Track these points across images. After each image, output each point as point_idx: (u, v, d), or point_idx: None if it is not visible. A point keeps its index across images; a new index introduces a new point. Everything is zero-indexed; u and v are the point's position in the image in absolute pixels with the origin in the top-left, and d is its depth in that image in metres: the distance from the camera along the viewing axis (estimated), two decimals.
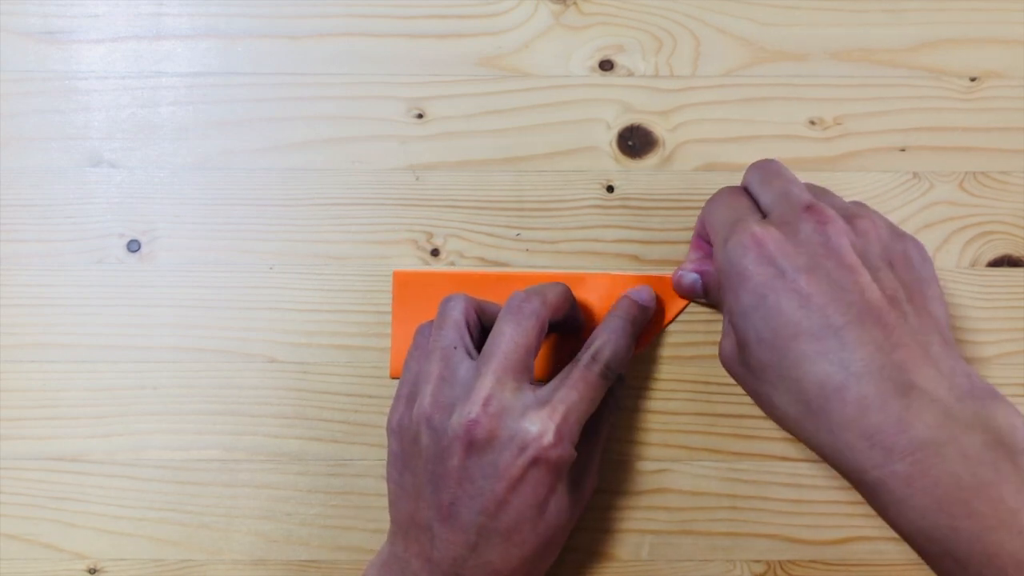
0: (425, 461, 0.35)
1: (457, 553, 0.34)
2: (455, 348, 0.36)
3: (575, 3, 0.43)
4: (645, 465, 0.41)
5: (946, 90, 0.42)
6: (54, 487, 0.41)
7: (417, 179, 0.42)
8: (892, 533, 0.41)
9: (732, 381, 0.41)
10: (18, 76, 0.42)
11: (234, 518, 0.41)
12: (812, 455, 0.41)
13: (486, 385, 0.34)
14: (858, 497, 0.41)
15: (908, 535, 0.31)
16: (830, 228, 0.33)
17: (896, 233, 0.35)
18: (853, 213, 0.34)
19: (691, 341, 0.41)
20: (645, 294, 0.40)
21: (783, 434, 0.41)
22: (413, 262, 0.42)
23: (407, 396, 0.37)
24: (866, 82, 0.42)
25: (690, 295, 0.41)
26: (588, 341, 0.37)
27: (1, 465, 0.41)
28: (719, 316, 0.41)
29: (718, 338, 0.41)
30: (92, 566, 0.41)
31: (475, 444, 0.34)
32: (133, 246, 0.42)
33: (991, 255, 0.42)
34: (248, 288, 0.41)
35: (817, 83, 0.42)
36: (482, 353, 0.35)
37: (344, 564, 0.41)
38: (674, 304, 0.41)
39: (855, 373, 0.31)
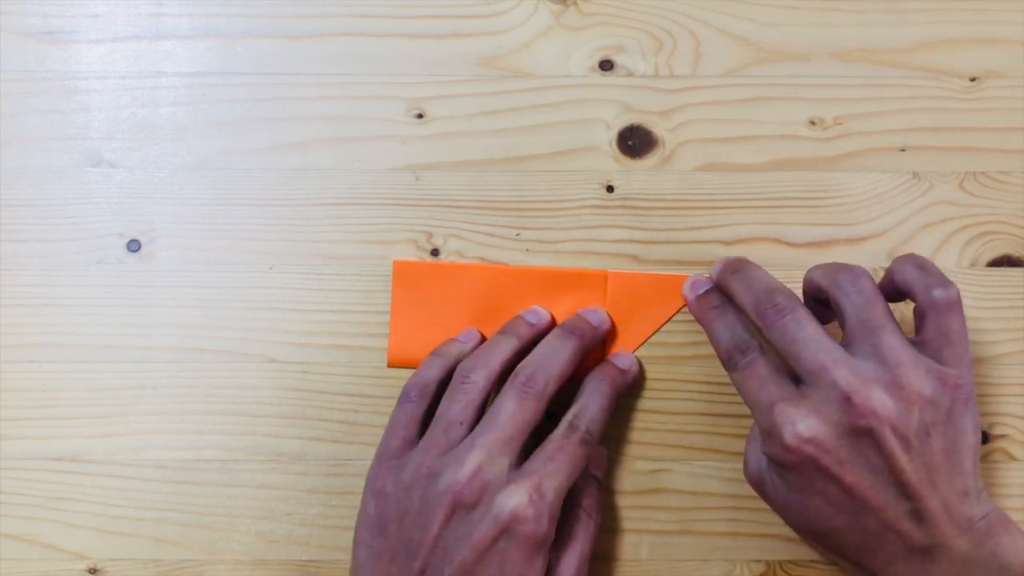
0: (407, 526, 0.36)
1: None
2: (460, 424, 0.37)
3: (575, 3, 0.43)
4: (645, 465, 0.41)
5: (946, 90, 0.42)
6: (54, 487, 0.41)
7: (417, 179, 0.42)
8: None
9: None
10: (18, 76, 0.42)
11: (234, 518, 0.41)
12: None
13: (478, 457, 0.35)
14: None
15: None
16: (872, 421, 0.33)
17: (944, 384, 0.34)
18: (896, 378, 0.34)
19: (691, 341, 0.41)
20: (626, 360, 0.40)
21: None
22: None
23: (393, 457, 0.37)
24: (866, 82, 0.42)
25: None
26: (570, 408, 0.38)
27: (1, 465, 0.41)
28: None
29: None
30: (92, 566, 0.41)
31: (456, 512, 0.35)
32: (133, 246, 0.42)
33: (991, 255, 0.42)
34: (248, 288, 0.41)
35: (817, 83, 0.42)
36: (481, 423, 0.37)
37: (344, 564, 0.41)
38: (671, 304, 0.41)
39: (889, 541, 0.34)
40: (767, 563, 0.41)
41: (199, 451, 0.41)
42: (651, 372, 0.41)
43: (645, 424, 0.41)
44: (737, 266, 0.38)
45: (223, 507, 0.41)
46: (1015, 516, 0.40)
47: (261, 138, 0.42)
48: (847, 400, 0.33)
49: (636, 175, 0.42)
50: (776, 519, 0.41)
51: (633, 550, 0.41)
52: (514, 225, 0.42)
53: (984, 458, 0.41)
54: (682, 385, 0.41)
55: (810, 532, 0.36)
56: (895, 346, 0.34)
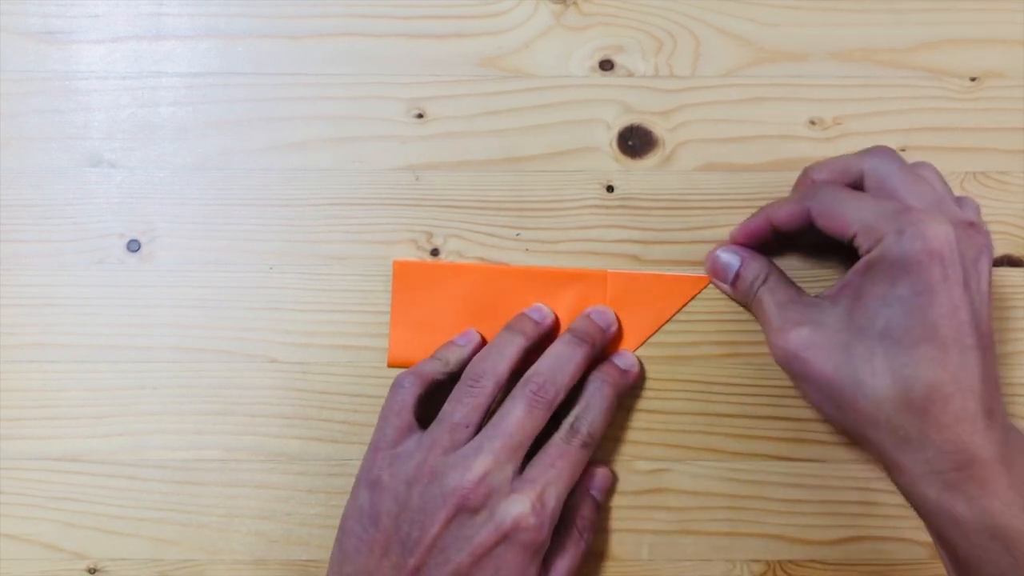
0: (404, 521, 0.36)
1: None
2: (466, 427, 0.37)
3: (575, 3, 0.43)
4: (645, 465, 0.41)
5: (946, 90, 0.42)
6: (54, 487, 0.41)
7: (417, 179, 0.42)
8: (892, 533, 0.41)
9: (732, 381, 0.41)
10: (18, 76, 0.42)
11: (234, 518, 0.41)
12: (812, 455, 0.41)
13: (486, 462, 0.36)
14: (858, 497, 0.41)
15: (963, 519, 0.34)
16: (983, 258, 0.34)
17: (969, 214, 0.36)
18: (978, 229, 0.35)
19: (691, 341, 0.41)
20: (628, 359, 0.40)
21: (783, 434, 0.41)
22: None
23: (389, 449, 0.37)
24: (866, 82, 0.42)
25: (719, 276, 0.40)
26: (570, 411, 0.38)
27: (1, 465, 0.41)
28: (719, 316, 0.41)
29: (718, 338, 0.41)
30: (92, 566, 0.41)
31: (459, 513, 0.35)
32: (133, 246, 0.42)
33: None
34: (248, 288, 0.41)
35: (817, 83, 0.42)
36: (488, 427, 0.37)
37: None
38: (671, 304, 0.41)
39: (964, 389, 0.33)
40: (767, 563, 0.41)
41: (199, 451, 0.41)
42: (651, 372, 0.41)
43: (645, 424, 0.41)
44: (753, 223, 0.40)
45: (223, 507, 0.41)
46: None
47: (261, 138, 0.42)
48: (969, 225, 0.35)
49: (636, 175, 0.42)
50: (776, 519, 0.41)
51: (633, 550, 0.41)
52: (514, 225, 0.42)
53: None
54: (682, 385, 0.41)
55: (879, 377, 0.34)
56: (931, 191, 0.36)
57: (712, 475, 0.41)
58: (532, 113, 0.42)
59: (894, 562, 0.41)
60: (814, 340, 0.36)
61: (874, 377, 0.34)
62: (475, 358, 0.39)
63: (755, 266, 0.39)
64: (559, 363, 0.38)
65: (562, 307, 0.41)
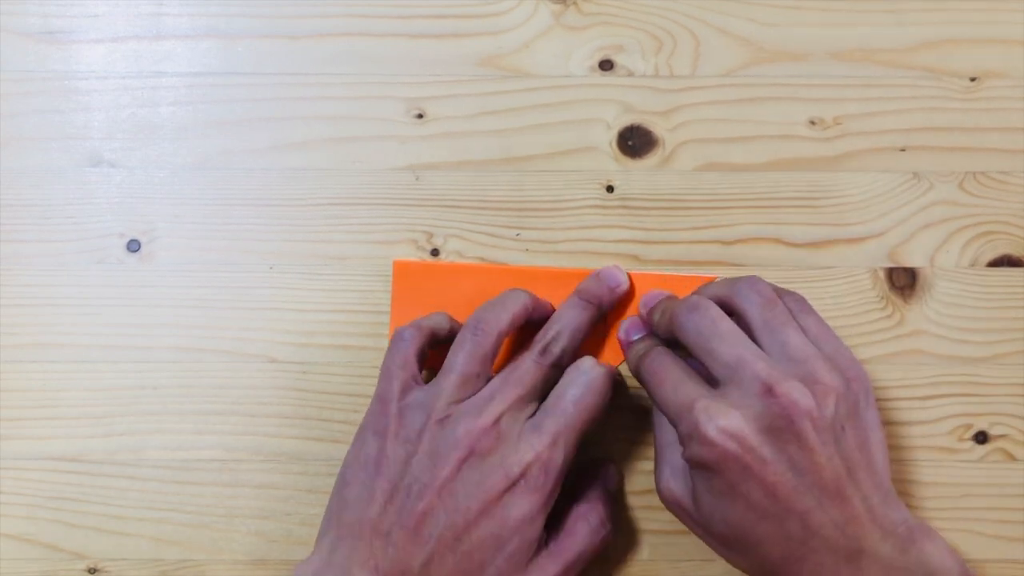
0: (414, 466, 0.35)
1: (408, 565, 0.34)
2: (477, 376, 0.37)
3: (575, 3, 0.43)
4: (645, 465, 0.41)
5: (946, 90, 0.42)
6: (54, 487, 0.41)
7: (417, 179, 0.42)
8: None
9: None
10: (18, 76, 0.42)
11: (234, 518, 0.41)
12: None
13: (498, 407, 0.36)
14: None
15: None
16: (793, 413, 0.33)
17: (847, 379, 0.35)
18: (810, 373, 0.34)
19: None
20: (616, 276, 0.40)
21: None
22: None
23: (399, 401, 0.37)
24: (866, 82, 0.42)
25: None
26: (544, 329, 0.38)
27: (1, 465, 0.41)
28: None
29: None
30: (92, 566, 0.41)
31: (470, 457, 0.35)
32: (133, 246, 0.42)
33: (991, 255, 0.42)
34: (248, 288, 0.41)
35: (817, 83, 0.42)
36: (498, 378, 0.37)
37: None
38: None
39: (814, 548, 0.33)
40: None
41: (199, 451, 0.41)
42: None
43: (645, 424, 0.41)
44: (650, 313, 0.39)
45: (223, 507, 0.41)
46: (1015, 516, 0.41)
47: (261, 138, 0.42)
48: (769, 392, 0.33)
49: (636, 175, 0.42)
50: None
51: (633, 550, 0.41)
52: (514, 225, 0.42)
53: (984, 458, 0.41)
54: None
55: (735, 544, 0.35)
56: (800, 343, 0.35)
57: None
58: (532, 113, 0.42)
59: None
60: (682, 501, 0.36)
61: (731, 552, 0.35)
62: (478, 308, 0.38)
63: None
64: (568, 324, 0.38)
65: None
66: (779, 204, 0.42)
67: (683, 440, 0.34)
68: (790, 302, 0.37)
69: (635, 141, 0.42)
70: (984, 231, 0.42)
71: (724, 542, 0.35)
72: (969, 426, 0.41)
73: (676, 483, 0.36)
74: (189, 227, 0.42)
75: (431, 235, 0.42)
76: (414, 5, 0.42)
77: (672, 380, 0.36)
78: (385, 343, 0.41)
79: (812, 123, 0.42)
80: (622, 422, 0.41)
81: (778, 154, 0.42)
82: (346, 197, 0.42)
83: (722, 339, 0.35)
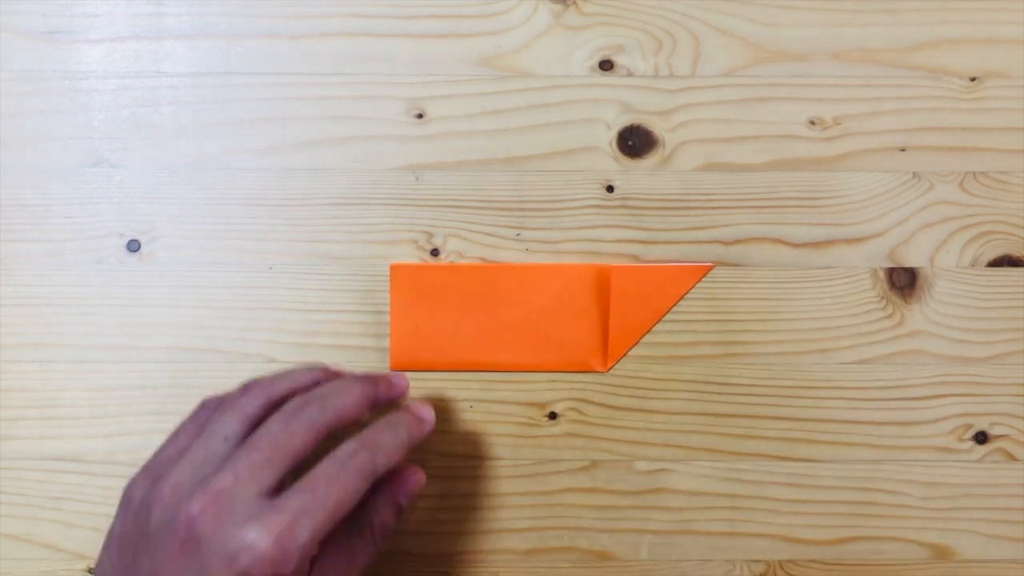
0: (141, 551, 0.31)
1: None
2: (225, 439, 0.33)
3: (575, 3, 0.43)
4: (645, 465, 0.41)
5: (946, 90, 0.42)
6: (54, 487, 0.41)
7: (417, 179, 0.42)
8: (892, 533, 0.41)
9: (732, 381, 0.41)
10: (18, 76, 0.42)
11: None
12: (812, 455, 0.41)
13: (223, 481, 0.31)
14: (858, 497, 0.41)
15: None
16: None
17: None
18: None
19: (691, 341, 0.41)
20: (426, 411, 0.37)
21: (783, 434, 0.41)
22: (413, 262, 0.42)
23: (158, 466, 0.34)
24: (866, 82, 0.42)
25: None
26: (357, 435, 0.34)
27: (1, 465, 0.41)
28: (719, 316, 0.41)
29: (718, 338, 0.41)
30: (92, 566, 0.41)
31: (188, 544, 0.31)
32: (133, 246, 0.42)
33: (991, 255, 0.42)
34: (248, 288, 0.41)
35: (817, 83, 0.42)
36: (240, 446, 0.33)
37: None
38: (673, 295, 0.41)
39: None
40: (767, 563, 0.41)
41: None
42: (651, 372, 0.41)
43: (645, 424, 0.41)
44: None
45: None
46: (1015, 516, 0.41)
47: (261, 138, 0.42)
48: None
49: (636, 175, 0.42)
50: (776, 519, 0.41)
51: (633, 550, 0.41)
52: (514, 225, 0.42)
53: (984, 458, 0.41)
54: (682, 385, 0.41)
55: None
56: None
57: (712, 475, 0.41)
58: (532, 113, 0.42)
59: (894, 562, 0.41)
60: None
61: None
62: (267, 375, 0.36)
63: None
64: (336, 386, 0.35)
65: (563, 303, 0.41)
66: (779, 204, 0.42)
67: None
68: None
69: (635, 141, 0.42)
70: (984, 231, 0.42)
71: None
72: (969, 426, 0.41)
73: None
74: (189, 227, 0.42)
75: (431, 235, 0.42)
76: (414, 5, 0.42)
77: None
78: (385, 343, 0.41)
79: (812, 123, 0.42)
80: (621, 422, 0.41)
81: (778, 154, 0.42)
82: (346, 197, 0.42)
83: None
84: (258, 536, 0.30)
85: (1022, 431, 0.41)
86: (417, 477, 0.38)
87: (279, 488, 0.32)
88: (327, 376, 0.36)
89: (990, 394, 0.41)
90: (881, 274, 0.42)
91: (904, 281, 0.42)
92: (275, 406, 0.34)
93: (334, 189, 0.42)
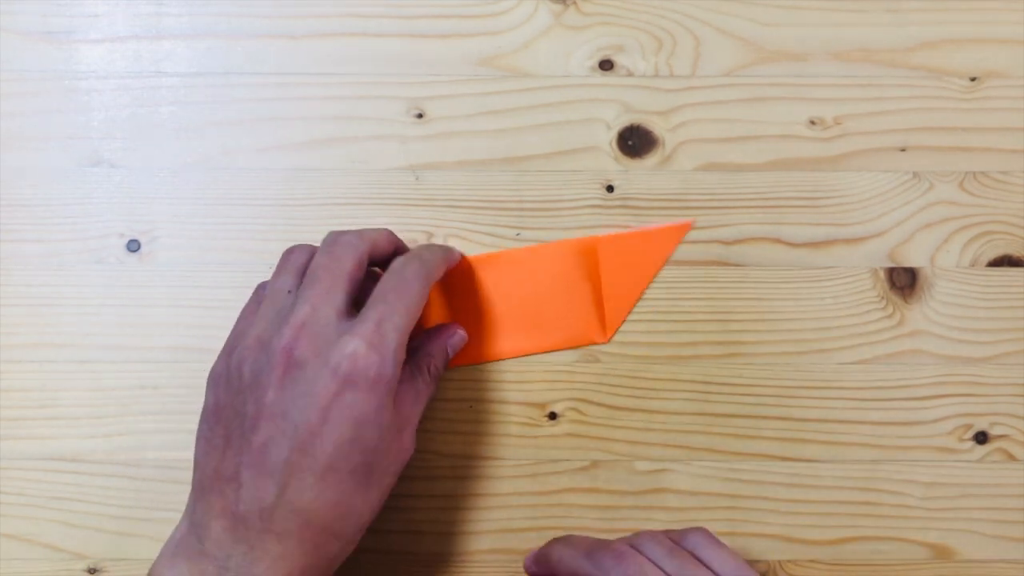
0: (240, 403, 0.33)
1: (265, 501, 0.32)
2: (288, 292, 0.35)
3: (575, 3, 0.43)
4: (645, 465, 0.41)
5: (946, 90, 0.42)
6: (54, 487, 0.41)
7: (417, 179, 0.42)
8: (892, 533, 0.41)
9: (732, 381, 0.41)
10: (18, 76, 0.42)
11: None
12: (812, 455, 0.41)
13: (302, 312, 0.34)
14: (858, 497, 0.41)
15: None
16: None
17: None
18: None
19: (691, 341, 0.41)
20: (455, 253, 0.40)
21: (783, 434, 0.41)
22: None
23: (232, 341, 0.36)
24: (866, 82, 0.42)
25: None
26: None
27: (1, 465, 0.41)
28: (719, 316, 0.41)
29: (718, 338, 0.41)
30: (92, 566, 0.41)
31: (290, 371, 0.33)
32: (133, 246, 0.42)
33: (991, 255, 0.42)
34: (248, 288, 0.41)
35: (817, 83, 0.42)
36: (301, 285, 0.35)
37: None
38: (659, 257, 0.41)
39: None
40: (767, 563, 0.41)
41: None
42: (651, 372, 0.41)
43: (645, 424, 0.41)
44: (557, 539, 0.38)
45: None
46: (1015, 516, 0.41)
47: (261, 138, 0.42)
48: None
49: (636, 175, 0.42)
50: (776, 519, 0.41)
51: None
52: (514, 225, 0.42)
53: (984, 458, 0.41)
54: (682, 385, 0.41)
55: None
56: None
57: (712, 475, 0.41)
58: (532, 113, 0.42)
59: (894, 562, 0.41)
60: None
61: None
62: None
63: None
64: (359, 229, 0.37)
65: (556, 282, 0.41)
66: (779, 204, 0.42)
67: None
68: (694, 539, 0.36)
69: (635, 141, 0.42)
70: (984, 231, 0.42)
71: None
72: (969, 426, 0.41)
73: None
74: (189, 227, 0.42)
75: (431, 235, 0.42)
76: (414, 5, 0.42)
77: None
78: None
79: (812, 123, 0.42)
80: (621, 422, 0.41)
81: (778, 154, 0.42)
82: (346, 197, 0.42)
83: None
84: (353, 344, 0.33)
85: (1022, 431, 0.41)
86: (461, 332, 0.40)
87: (352, 308, 0.35)
88: (371, 239, 0.38)
89: (990, 394, 0.41)
90: (881, 274, 0.42)
91: (904, 281, 0.42)
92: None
93: (334, 189, 0.42)
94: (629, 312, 0.41)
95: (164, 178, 0.42)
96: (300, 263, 0.36)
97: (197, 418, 0.41)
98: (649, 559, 0.35)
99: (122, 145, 0.42)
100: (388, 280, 0.35)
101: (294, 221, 0.42)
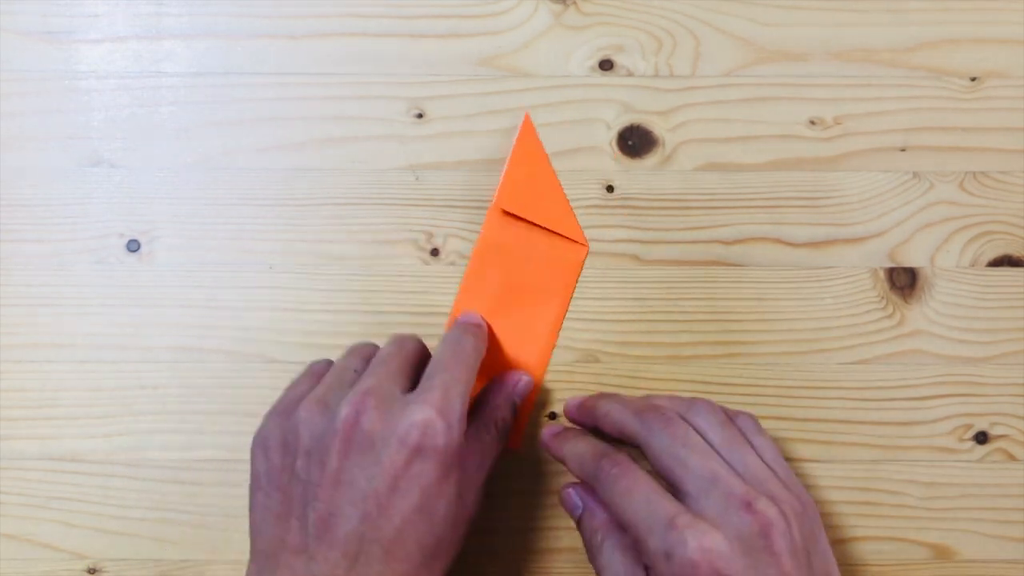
0: (301, 468, 0.33)
1: (335, 573, 0.31)
2: (354, 371, 0.36)
3: (575, 3, 0.43)
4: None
5: (946, 90, 0.42)
6: (54, 487, 0.41)
7: (417, 179, 0.42)
8: (892, 533, 0.41)
9: (732, 381, 0.41)
10: (18, 76, 0.42)
11: (234, 518, 0.41)
12: (812, 455, 0.41)
13: (367, 383, 0.34)
14: (858, 497, 0.41)
15: None
16: (772, 533, 0.32)
17: (801, 503, 0.34)
18: (770, 494, 0.33)
19: (691, 341, 0.41)
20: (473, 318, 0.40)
21: (783, 434, 0.41)
22: (413, 262, 0.42)
23: (286, 407, 0.35)
24: (866, 82, 0.42)
25: (568, 511, 0.38)
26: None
27: (1, 465, 0.41)
28: (719, 316, 0.41)
29: (718, 338, 0.41)
30: (92, 566, 0.41)
31: (355, 440, 0.32)
32: (133, 246, 0.42)
33: (991, 255, 0.42)
34: (248, 288, 0.41)
35: (817, 83, 0.42)
36: (369, 367, 0.35)
37: None
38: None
39: None
40: None
41: (199, 451, 0.41)
42: (651, 372, 0.41)
43: None
44: (604, 394, 0.38)
45: (223, 507, 0.41)
46: (1015, 516, 0.41)
47: (261, 138, 0.42)
48: (748, 508, 0.32)
49: (636, 175, 0.42)
50: None
51: None
52: None
53: (984, 458, 0.41)
54: (682, 385, 0.41)
55: None
56: (758, 464, 0.34)
57: None
58: (532, 113, 0.42)
59: (894, 562, 0.41)
60: None
61: None
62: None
63: (595, 520, 0.36)
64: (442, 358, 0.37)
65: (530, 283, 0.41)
66: (779, 204, 0.42)
67: (656, 559, 0.32)
68: (742, 423, 0.36)
69: (635, 141, 0.42)
70: (984, 231, 0.42)
71: None
72: (969, 426, 0.41)
73: None
74: (189, 227, 0.42)
75: (431, 235, 0.42)
76: (414, 5, 0.42)
77: (643, 492, 0.33)
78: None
79: (812, 123, 0.42)
80: None
81: (778, 154, 0.42)
82: (346, 197, 0.42)
83: (695, 451, 0.33)
84: (423, 412, 0.33)
85: (1022, 431, 0.41)
86: (526, 378, 0.40)
87: (411, 390, 0.34)
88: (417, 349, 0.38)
89: (990, 394, 0.41)
90: (881, 274, 0.42)
91: (904, 281, 0.42)
92: None
93: (334, 189, 0.42)
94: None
95: (164, 178, 0.42)
96: (367, 353, 0.37)
97: (197, 418, 0.41)
98: (697, 429, 0.35)
99: (122, 145, 0.42)
100: (445, 350, 0.36)
101: (294, 221, 0.42)
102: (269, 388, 0.41)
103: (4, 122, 0.42)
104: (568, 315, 0.41)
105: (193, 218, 0.42)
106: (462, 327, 0.38)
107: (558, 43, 0.42)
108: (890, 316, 0.41)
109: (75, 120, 0.42)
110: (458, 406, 0.33)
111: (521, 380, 0.39)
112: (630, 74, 0.42)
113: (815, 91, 0.42)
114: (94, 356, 0.41)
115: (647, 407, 0.36)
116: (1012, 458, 0.41)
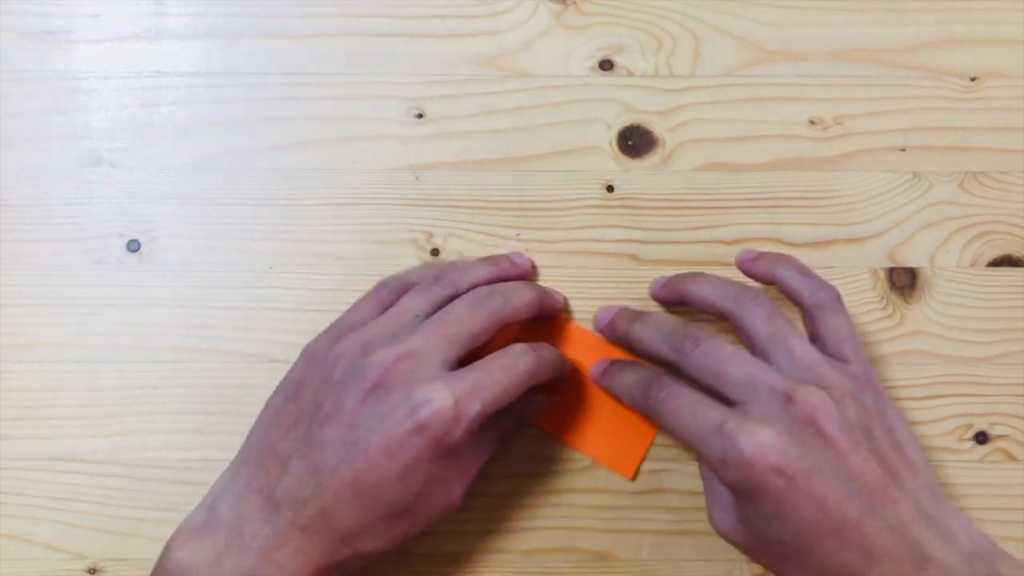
0: (323, 394, 0.34)
1: (302, 494, 0.33)
2: (415, 316, 0.36)
3: (575, 3, 0.43)
4: (645, 465, 0.41)
5: (946, 90, 0.42)
6: (54, 487, 0.41)
7: (417, 179, 0.42)
8: None
9: None
10: (18, 76, 0.42)
11: None
12: None
13: (415, 342, 0.34)
14: None
15: None
16: (819, 417, 0.32)
17: (856, 380, 0.34)
18: (820, 378, 0.33)
19: None
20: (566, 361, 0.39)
21: None
22: (413, 262, 0.42)
23: (341, 329, 0.36)
24: (866, 82, 0.42)
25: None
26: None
27: (1, 465, 0.41)
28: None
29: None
30: (92, 566, 0.41)
31: (376, 389, 0.33)
32: (133, 246, 0.42)
33: (991, 255, 0.42)
34: (248, 288, 0.41)
35: (817, 83, 0.42)
36: (429, 319, 0.35)
37: None
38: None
39: (876, 558, 0.31)
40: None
41: (199, 451, 0.41)
42: None
43: None
44: (634, 314, 0.39)
45: None
46: (1015, 516, 0.40)
47: (261, 138, 0.42)
48: (789, 400, 0.32)
49: (636, 175, 0.42)
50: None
51: (633, 550, 0.41)
52: (514, 225, 0.42)
53: (984, 458, 0.41)
54: None
55: (797, 564, 0.32)
56: (806, 350, 0.34)
57: None
58: (532, 113, 0.42)
59: None
60: (735, 530, 0.35)
61: (794, 569, 0.33)
62: (446, 265, 0.39)
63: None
64: (515, 287, 0.38)
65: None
66: (779, 204, 0.42)
67: (716, 467, 0.33)
68: (819, 298, 0.36)
69: (635, 141, 0.42)
70: (984, 231, 0.42)
71: (786, 564, 0.33)
72: (969, 426, 0.41)
73: (725, 516, 0.34)
74: (189, 227, 0.42)
75: (431, 235, 0.42)
76: (414, 5, 0.42)
77: (689, 407, 0.34)
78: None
79: (812, 123, 0.42)
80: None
81: (778, 154, 0.42)
82: (346, 197, 0.42)
83: (729, 361, 0.34)
84: (441, 394, 0.33)
85: (1022, 431, 0.41)
86: (543, 401, 0.40)
87: (457, 365, 0.35)
88: (501, 272, 0.39)
89: (990, 394, 0.41)
90: (881, 274, 0.42)
91: (904, 281, 0.42)
92: (457, 296, 0.37)
93: (334, 189, 0.42)
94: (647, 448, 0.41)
95: (164, 178, 0.42)
96: (442, 296, 0.37)
97: (197, 418, 0.41)
98: (743, 325, 0.35)
99: (122, 145, 0.42)
100: (503, 356, 0.35)
101: (294, 221, 0.42)
102: (269, 388, 0.41)
103: (4, 122, 0.42)
104: (568, 315, 0.41)
105: (193, 218, 0.42)
106: (539, 348, 0.37)
107: (558, 43, 0.42)
108: (890, 316, 0.41)
109: (75, 120, 0.42)
110: (478, 407, 0.33)
111: (534, 399, 0.39)
112: (630, 74, 0.42)
113: (815, 91, 0.42)
114: (94, 356, 0.41)
115: (675, 331, 0.36)
116: (1012, 458, 0.41)
